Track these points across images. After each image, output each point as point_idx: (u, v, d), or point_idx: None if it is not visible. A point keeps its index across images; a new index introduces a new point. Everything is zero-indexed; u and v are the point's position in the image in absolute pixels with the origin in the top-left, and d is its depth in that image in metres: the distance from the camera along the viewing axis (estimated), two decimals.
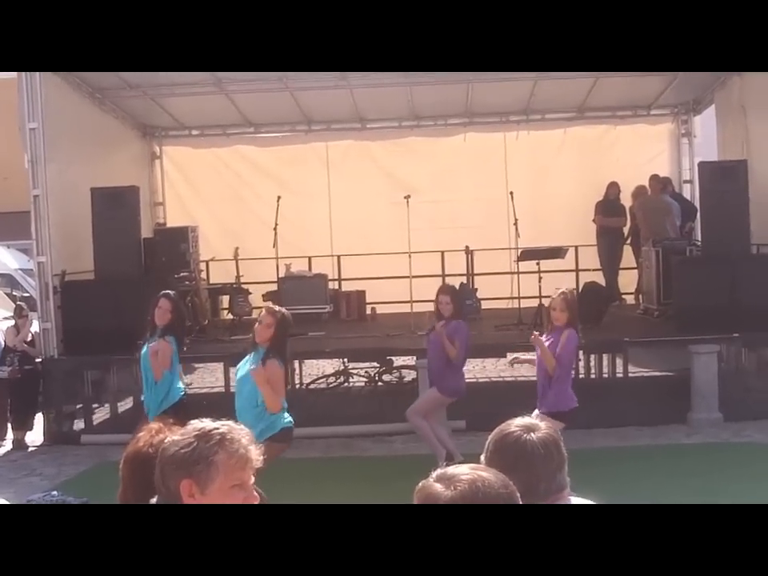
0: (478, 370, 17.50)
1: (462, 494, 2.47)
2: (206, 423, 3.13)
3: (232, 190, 19.40)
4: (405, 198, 14.92)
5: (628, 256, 18.13)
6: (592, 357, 16.02)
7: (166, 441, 3.18)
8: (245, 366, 8.43)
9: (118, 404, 15.24)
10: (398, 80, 15.78)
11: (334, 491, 9.70)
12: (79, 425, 14.30)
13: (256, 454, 3.10)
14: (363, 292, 17.77)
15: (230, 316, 17.07)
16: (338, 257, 18.53)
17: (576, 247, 17.31)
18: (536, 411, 9.06)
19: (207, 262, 17.91)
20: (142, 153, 19.21)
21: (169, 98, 17.38)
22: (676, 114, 19.46)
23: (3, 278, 20.60)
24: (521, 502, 2.60)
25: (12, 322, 14.38)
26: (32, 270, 15.56)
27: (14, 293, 19.52)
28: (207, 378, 17.94)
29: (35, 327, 14.25)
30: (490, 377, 17.50)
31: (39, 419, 14.11)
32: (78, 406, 14.40)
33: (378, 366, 16.54)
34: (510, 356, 11.40)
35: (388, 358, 15.89)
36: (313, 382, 17.23)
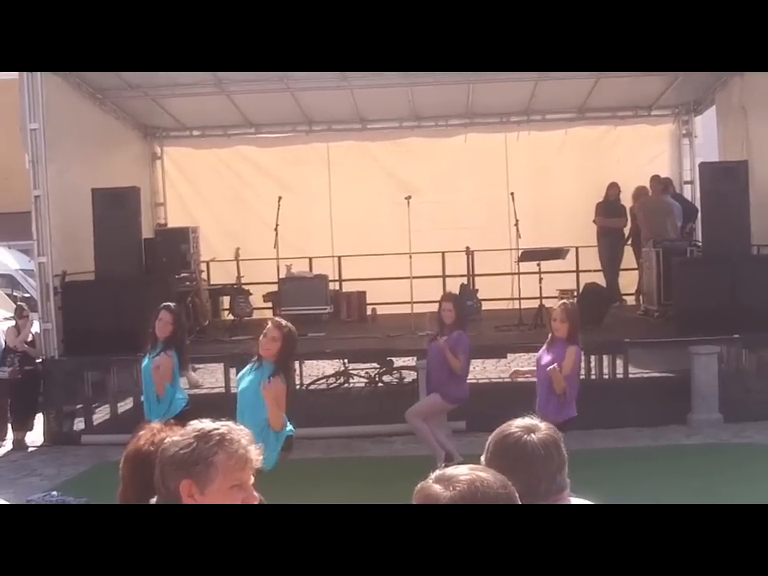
0: (478, 371, 17.49)
1: (461, 495, 2.47)
2: (206, 424, 3.13)
3: (233, 190, 19.40)
4: (405, 198, 14.92)
5: (629, 257, 18.12)
6: (592, 358, 16.02)
7: (165, 441, 3.19)
8: (246, 377, 8.36)
9: (118, 404, 15.25)
10: (398, 80, 15.78)
11: (334, 492, 9.70)
12: (79, 425, 14.30)
13: (255, 455, 3.11)
14: (364, 293, 17.78)
15: (231, 317, 17.07)
16: (339, 257, 18.54)
17: (576, 248, 17.32)
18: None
19: (208, 263, 17.92)
20: (142, 153, 19.22)
21: (170, 99, 17.39)
22: (677, 115, 19.47)
23: (4, 278, 20.60)
24: (520, 503, 2.60)
25: (13, 323, 14.38)
26: (33, 270, 15.56)
27: (15, 293, 19.52)
28: (207, 378, 17.94)
29: (36, 328, 14.25)
30: (490, 378, 17.50)
31: (39, 419, 14.11)
32: (78, 407, 14.40)
33: (379, 366, 16.54)
34: (510, 356, 11.42)
35: (388, 358, 15.89)
36: (313, 382, 17.23)
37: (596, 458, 10.79)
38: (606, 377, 16.19)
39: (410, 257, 14.95)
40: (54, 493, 3.66)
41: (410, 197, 14.98)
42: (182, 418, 9.01)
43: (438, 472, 2.58)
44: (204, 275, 17.73)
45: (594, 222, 18.04)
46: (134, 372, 9.94)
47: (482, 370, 17.84)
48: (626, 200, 18.16)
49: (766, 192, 14.21)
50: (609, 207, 17.96)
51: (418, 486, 2.56)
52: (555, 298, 13.51)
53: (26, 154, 13.91)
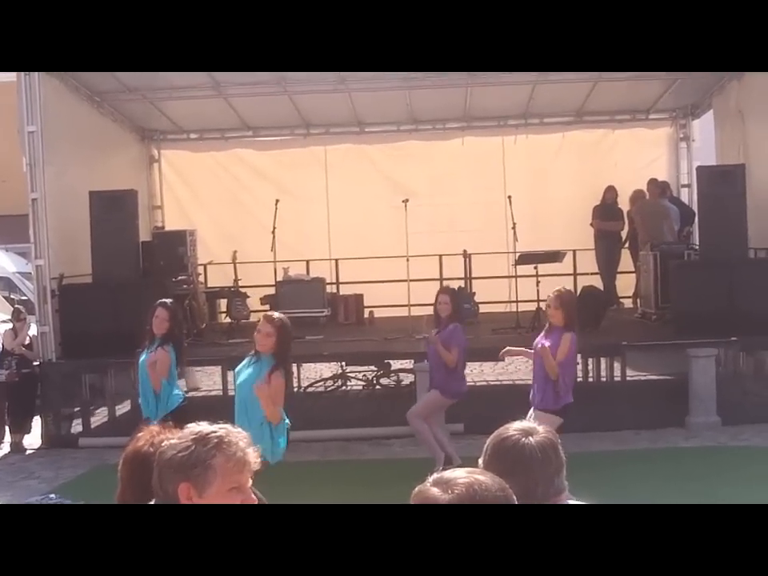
0: (476, 373, 17.49)
1: (459, 498, 2.48)
2: (204, 427, 3.13)
3: (230, 193, 19.39)
4: (403, 201, 14.92)
5: (626, 260, 18.13)
6: (590, 360, 16.03)
7: (163, 444, 3.19)
8: (245, 370, 8.38)
9: (116, 407, 15.24)
10: (396, 84, 15.81)
11: (331, 495, 9.67)
12: (77, 428, 14.29)
13: (253, 457, 3.11)
14: (361, 296, 17.77)
15: (228, 319, 17.06)
16: (336, 260, 18.54)
17: (574, 251, 17.32)
18: (532, 409, 9.09)
19: (205, 266, 17.92)
20: (140, 156, 19.21)
21: (167, 102, 17.39)
22: (674, 119, 19.48)
23: (1, 281, 20.61)
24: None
25: (10, 326, 14.37)
26: (30, 273, 15.54)
27: (12, 296, 19.54)
28: (205, 381, 17.94)
29: (33, 330, 14.24)
30: (487, 380, 17.50)
31: (37, 422, 14.10)
32: (75, 409, 14.40)
33: (376, 369, 16.54)
34: (508, 359, 11.42)
35: (386, 361, 15.90)
36: (311, 385, 17.21)
37: (594, 461, 10.79)
38: (604, 380, 16.19)
39: (408, 260, 14.95)
40: (52, 495, 3.66)
41: (407, 200, 14.98)
42: (178, 415, 9.14)
43: (435, 475, 2.58)
44: (201, 278, 17.74)
45: (592, 225, 18.06)
46: (132, 374, 9.96)
47: (480, 373, 17.84)
48: (624, 203, 18.17)
49: (763, 195, 14.22)
50: (606, 210, 17.98)
51: (416, 488, 2.56)
52: None
53: (23, 156, 13.90)
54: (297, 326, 15.00)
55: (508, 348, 10.20)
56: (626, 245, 18.21)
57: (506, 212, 15.75)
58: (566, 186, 18.88)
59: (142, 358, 9.47)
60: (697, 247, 15.53)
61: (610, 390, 15.30)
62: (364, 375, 16.83)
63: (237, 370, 8.61)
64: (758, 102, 14.93)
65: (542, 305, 13.67)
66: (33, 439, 13.99)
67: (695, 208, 15.96)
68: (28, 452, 13.62)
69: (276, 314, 8.53)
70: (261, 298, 17.19)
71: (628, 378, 15.80)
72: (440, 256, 17.67)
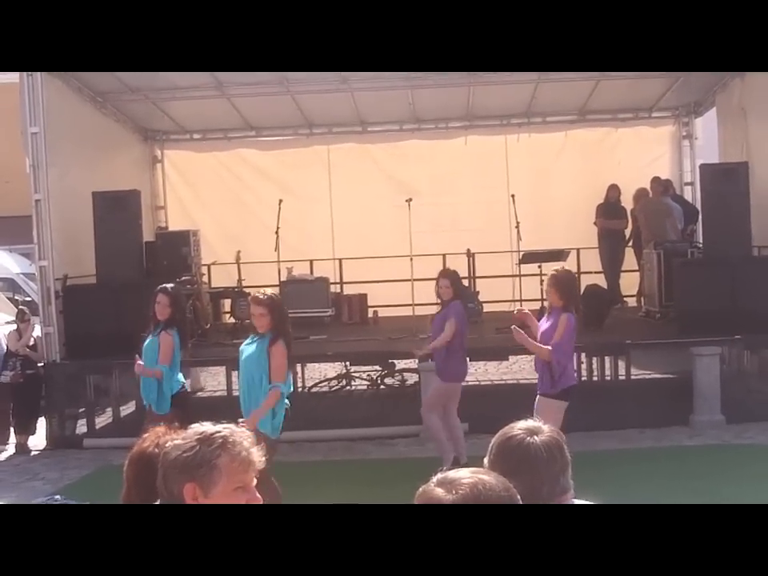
0: (480, 372, 17.49)
1: (463, 498, 2.47)
2: (208, 427, 3.13)
3: (233, 193, 19.39)
4: (406, 201, 14.92)
5: (630, 258, 18.11)
6: (594, 359, 16.02)
7: (167, 445, 3.19)
8: (248, 348, 8.58)
9: (121, 408, 15.26)
10: (399, 83, 15.81)
11: (336, 494, 9.68)
12: (82, 429, 14.31)
13: (258, 457, 3.11)
14: (365, 295, 17.76)
15: (232, 319, 17.06)
16: (340, 260, 18.52)
17: (578, 250, 17.31)
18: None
19: (209, 266, 17.91)
20: (143, 156, 19.21)
21: (170, 102, 17.40)
22: (677, 117, 19.46)
23: (5, 282, 20.61)
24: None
25: (14, 327, 14.39)
26: (34, 274, 15.56)
27: (16, 297, 19.54)
28: (210, 381, 17.94)
29: (37, 331, 14.26)
30: (492, 379, 17.50)
31: (42, 423, 14.12)
32: (80, 410, 14.41)
33: (380, 369, 16.54)
34: (512, 359, 11.38)
35: (390, 361, 15.89)
36: (315, 385, 17.22)
37: (598, 460, 10.80)
38: (608, 378, 16.19)
39: (411, 259, 14.95)
40: (58, 497, 3.66)
41: (410, 199, 14.98)
42: (178, 401, 9.27)
43: (440, 475, 2.57)
44: (205, 278, 17.73)
45: (595, 223, 18.04)
46: (136, 374, 10.05)
47: (484, 372, 17.84)
48: (627, 202, 18.16)
49: (766, 194, 14.20)
50: (609, 209, 17.96)
51: (420, 489, 2.56)
52: None
53: (26, 157, 13.92)
54: (301, 325, 15.08)
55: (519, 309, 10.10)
56: (630, 243, 18.20)
57: (510, 211, 15.76)
58: (569, 184, 18.86)
59: (147, 342, 9.59)
60: (700, 245, 15.54)
61: (614, 389, 15.29)
62: (368, 375, 16.84)
63: (240, 348, 8.77)
64: (760, 100, 14.91)
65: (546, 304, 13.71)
66: (37, 440, 14.01)
67: (698, 206, 15.94)
68: (33, 453, 13.64)
69: (261, 293, 8.65)
70: None
71: (632, 377, 15.80)
72: (443, 255, 17.62)
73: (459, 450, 10.75)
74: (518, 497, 2.59)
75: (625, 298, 18.33)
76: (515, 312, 10.08)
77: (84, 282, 14.37)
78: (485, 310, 16.77)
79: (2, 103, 18.71)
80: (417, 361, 13.23)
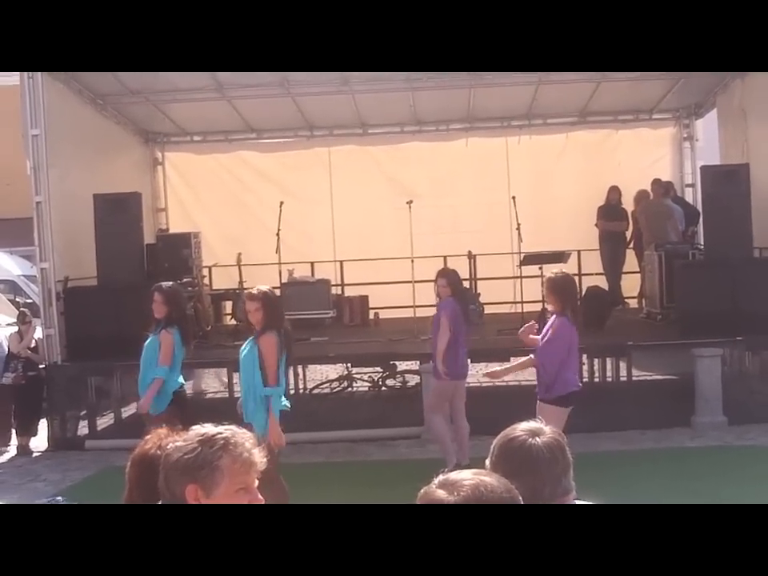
0: (481, 374, 17.46)
1: (465, 500, 2.47)
2: (209, 428, 3.14)
3: (234, 195, 19.39)
4: (407, 203, 14.92)
5: (631, 260, 18.12)
6: (595, 361, 16.01)
7: (168, 447, 3.19)
8: (246, 347, 8.67)
9: (122, 409, 15.25)
10: (399, 85, 15.83)
11: (338, 496, 9.67)
12: (83, 430, 14.31)
13: (259, 458, 3.11)
14: (366, 297, 17.77)
15: (233, 321, 17.06)
16: (341, 262, 18.52)
17: (579, 251, 17.29)
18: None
19: (210, 268, 17.92)
20: (143, 159, 19.22)
21: (171, 104, 17.40)
22: (678, 118, 19.46)
23: (6, 284, 20.63)
24: None
25: (15, 329, 14.40)
26: (35, 276, 15.56)
27: (17, 299, 19.54)
28: (210, 383, 17.94)
29: (38, 333, 14.27)
30: (493, 381, 17.45)
31: (43, 425, 14.12)
32: (81, 412, 14.41)
33: (382, 370, 16.54)
34: (513, 360, 11.32)
35: (391, 362, 15.90)
36: (316, 387, 17.21)
37: (600, 461, 10.79)
38: (610, 380, 16.18)
39: (412, 261, 14.96)
40: (59, 498, 3.67)
41: (411, 201, 14.98)
42: (175, 400, 9.34)
43: (441, 477, 2.57)
44: (206, 280, 17.73)
45: (596, 225, 18.05)
46: (137, 376, 10.11)
47: (486, 374, 17.81)
48: (628, 203, 18.16)
49: (766, 195, 14.20)
50: (610, 211, 17.97)
51: (422, 490, 2.56)
52: None
53: (27, 160, 13.93)
54: (302, 327, 15.10)
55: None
56: (631, 245, 18.21)
57: (510, 213, 15.74)
58: (569, 186, 18.87)
59: (148, 340, 9.65)
60: (701, 247, 15.53)
61: (616, 390, 15.29)
62: (369, 377, 16.84)
63: (241, 349, 8.84)
64: (761, 101, 14.91)
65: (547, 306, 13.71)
66: (39, 442, 14.02)
67: (699, 208, 15.94)
68: (34, 454, 13.65)
69: (256, 289, 8.73)
70: None
71: (633, 378, 15.81)
72: (444, 257, 17.60)
73: (462, 451, 10.72)
74: (520, 498, 2.59)
75: (626, 300, 18.34)
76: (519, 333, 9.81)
77: (85, 284, 14.38)
78: (486, 312, 16.77)
79: (3, 105, 18.73)
80: (418, 362, 13.19)
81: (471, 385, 11.90)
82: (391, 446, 12.97)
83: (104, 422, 15.09)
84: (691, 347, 13.23)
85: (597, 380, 16.15)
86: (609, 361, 16.08)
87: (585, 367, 15.66)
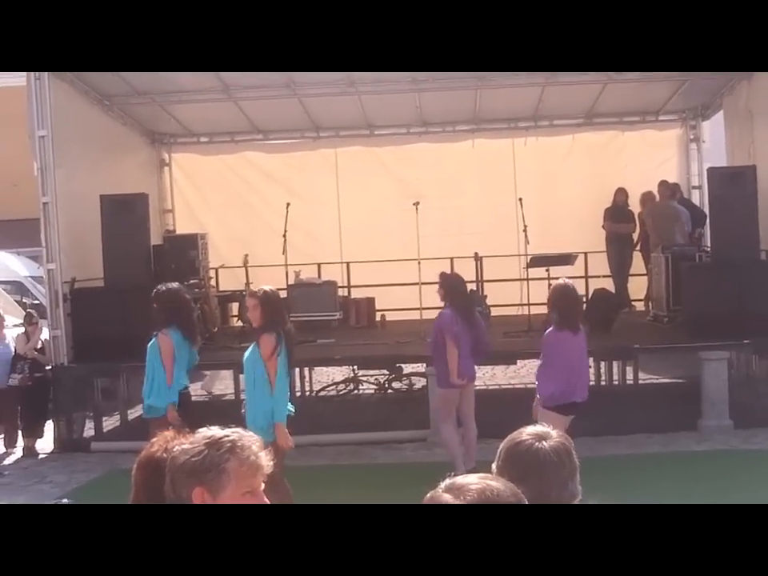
0: (487, 377, 17.47)
1: (471, 504, 2.47)
2: (216, 431, 3.13)
3: (241, 196, 19.40)
4: (413, 204, 14.93)
5: (638, 262, 18.11)
6: (602, 364, 15.99)
7: (175, 449, 3.19)
8: (250, 349, 8.74)
9: (128, 411, 15.26)
10: (406, 86, 15.82)
11: (343, 498, 9.66)
12: (89, 432, 14.32)
13: (266, 461, 3.11)
14: (373, 299, 17.76)
15: (240, 323, 17.07)
16: (348, 264, 18.54)
17: (585, 254, 17.30)
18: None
19: (216, 269, 17.92)
20: (150, 160, 19.24)
21: (177, 105, 17.41)
22: (684, 120, 19.44)
23: (13, 285, 20.63)
24: None
25: (22, 330, 14.41)
26: (42, 277, 15.59)
27: (24, 300, 19.57)
28: (217, 384, 17.94)
29: (45, 335, 14.27)
30: (499, 384, 17.47)
31: (49, 426, 14.13)
32: (88, 414, 14.42)
33: (388, 373, 16.54)
34: (520, 363, 11.30)
35: (398, 365, 15.89)
36: (322, 389, 17.22)
37: (606, 465, 10.77)
38: (616, 383, 16.17)
39: (419, 263, 14.95)
40: (65, 500, 3.67)
41: (417, 203, 14.99)
42: (180, 402, 9.36)
43: (447, 481, 2.57)
44: (213, 282, 17.74)
45: (603, 227, 18.04)
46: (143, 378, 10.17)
47: (492, 377, 17.82)
48: (634, 205, 18.15)
49: None
50: (617, 213, 17.96)
51: (428, 494, 2.55)
52: None
53: (34, 161, 13.95)
54: (308, 329, 15.10)
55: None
56: (638, 247, 18.19)
57: (517, 214, 15.73)
58: (576, 187, 18.86)
59: (150, 343, 9.72)
60: (708, 249, 15.50)
61: (622, 394, 15.27)
62: (376, 379, 16.84)
63: (246, 351, 8.89)
64: (767, 103, 14.88)
65: None
66: (45, 443, 14.02)
67: (706, 210, 15.92)
68: (41, 456, 13.66)
69: (259, 289, 8.76)
70: None
71: (640, 382, 15.79)
72: (451, 259, 17.61)
73: (469, 454, 10.66)
74: (526, 502, 2.58)
75: (633, 302, 18.33)
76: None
77: (92, 286, 14.39)
78: (492, 314, 16.74)
79: (10, 107, 18.73)
80: (425, 365, 13.10)
81: (478, 388, 11.87)
82: (397, 448, 12.95)
83: (110, 423, 15.10)
84: (698, 350, 13.21)
85: (603, 383, 16.14)
86: (615, 364, 16.06)
87: (591, 370, 15.65)
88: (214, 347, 15.23)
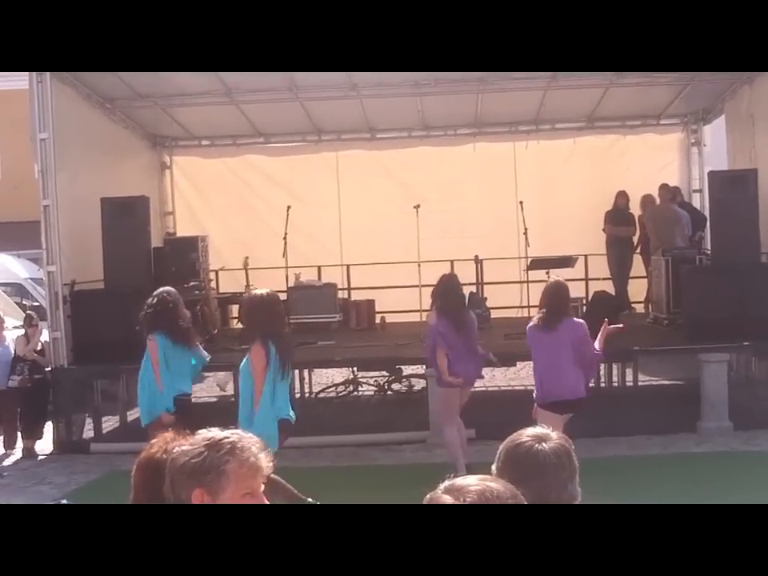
0: (487, 379, 17.44)
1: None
2: (215, 432, 3.14)
3: (242, 199, 19.41)
4: (414, 207, 14.94)
5: (638, 265, 18.11)
6: (602, 366, 15.98)
7: (174, 451, 3.19)
8: (244, 359, 8.63)
9: (128, 413, 15.26)
10: (407, 90, 15.83)
11: (343, 500, 9.68)
12: (89, 433, 14.32)
13: (266, 462, 3.11)
14: (373, 301, 17.75)
15: (240, 325, 17.06)
16: (348, 266, 18.53)
17: (586, 256, 17.31)
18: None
19: (217, 272, 17.93)
20: (151, 163, 19.25)
21: (179, 108, 17.42)
22: (686, 124, 19.45)
23: (13, 287, 20.64)
24: None
25: (22, 331, 14.41)
26: (42, 279, 15.59)
27: (24, 302, 19.57)
28: (216, 387, 17.93)
29: (45, 336, 14.27)
30: (499, 385, 17.47)
31: (49, 428, 14.13)
32: (87, 415, 14.42)
33: (388, 375, 16.54)
34: (520, 365, 11.34)
35: (397, 367, 15.89)
36: (322, 391, 17.22)
37: (606, 466, 10.77)
38: (616, 385, 16.17)
39: (419, 265, 14.96)
40: (65, 501, 3.67)
41: (418, 205, 15.00)
42: (177, 408, 9.34)
43: (447, 482, 2.57)
44: (213, 284, 17.75)
45: (603, 230, 18.04)
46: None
47: (491, 378, 17.80)
48: (635, 209, 18.16)
49: None
50: (618, 216, 17.97)
51: (428, 496, 2.56)
52: None
53: (35, 163, 13.96)
54: (308, 331, 15.11)
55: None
56: (638, 250, 18.20)
57: (518, 217, 15.75)
58: (577, 191, 18.86)
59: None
60: (708, 252, 15.51)
61: (622, 396, 15.27)
62: (375, 381, 16.84)
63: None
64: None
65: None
66: (45, 445, 14.02)
67: (707, 213, 15.93)
68: (40, 457, 13.65)
69: (248, 291, 8.68)
70: None
71: (640, 383, 15.78)
72: (451, 261, 17.60)
73: (463, 452, 10.71)
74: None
75: (633, 305, 18.33)
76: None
77: (92, 288, 14.39)
78: (493, 316, 16.75)
79: (12, 110, 18.78)
80: (424, 367, 13.12)
81: (477, 389, 11.88)
82: (397, 450, 12.95)
83: (110, 425, 15.09)
84: (698, 352, 13.21)
85: (603, 385, 16.13)
86: (615, 366, 16.06)
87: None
88: (213, 349, 15.22)
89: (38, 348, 14.21)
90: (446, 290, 11.03)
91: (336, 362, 15.10)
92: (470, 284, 16.99)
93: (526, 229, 15.17)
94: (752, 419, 13.09)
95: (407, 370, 16.29)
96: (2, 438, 14.30)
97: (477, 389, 11.47)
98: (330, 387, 17.35)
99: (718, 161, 18.93)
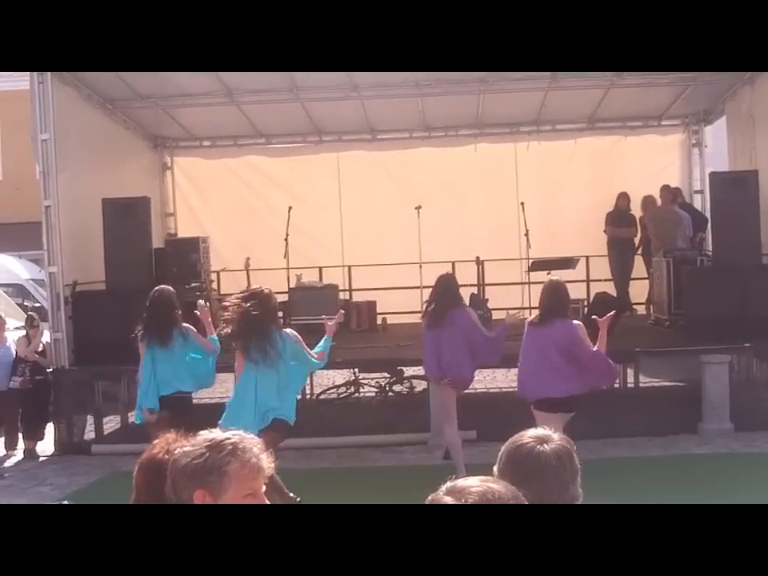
0: (488, 380, 17.47)
1: None
2: (217, 433, 3.14)
3: (243, 200, 19.41)
4: (416, 208, 14.92)
5: (639, 266, 18.10)
6: None
7: (176, 452, 3.19)
8: None
9: (129, 414, 15.25)
10: (408, 91, 15.82)
11: (344, 501, 9.66)
12: (90, 435, 14.32)
13: (267, 463, 3.11)
14: (374, 302, 17.75)
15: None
16: (349, 267, 18.52)
17: (587, 257, 17.29)
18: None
19: (218, 273, 17.92)
20: (152, 163, 19.25)
21: (180, 109, 17.41)
22: (687, 125, 19.44)
23: (15, 288, 20.64)
24: None
25: (23, 332, 14.41)
26: (43, 280, 15.59)
27: (26, 303, 19.57)
28: (218, 388, 17.91)
29: (46, 337, 14.28)
30: (500, 387, 17.47)
31: (50, 429, 14.14)
32: (88, 416, 14.42)
33: (389, 376, 16.53)
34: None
35: (398, 368, 15.88)
36: (323, 392, 17.22)
37: (607, 468, 10.77)
38: (617, 386, 16.15)
39: (420, 266, 14.95)
40: (66, 502, 3.67)
41: (420, 207, 14.98)
42: (171, 403, 9.38)
43: (448, 484, 2.56)
44: (214, 285, 17.73)
45: (605, 231, 18.03)
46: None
47: (492, 380, 17.81)
48: (636, 210, 18.15)
49: None
50: (619, 217, 17.95)
51: (429, 497, 2.55)
52: None
53: (36, 164, 13.97)
54: (309, 332, 15.06)
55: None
56: (639, 251, 18.19)
57: (519, 218, 15.75)
58: (578, 192, 18.85)
59: None
60: (710, 253, 15.51)
61: (623, 397, 15.26)
62: (377, 382, 16.83)
63: None
64: None
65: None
66: (46, 446, 14.03)
67: (708, 214, 15.92)
68: (41, 459, 13.66)
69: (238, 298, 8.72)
70: None
71: (641, 385, 15.78)
72: (453, 263, 17.57)
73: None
74: None
75: (634, 306, 18.32)
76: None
77: (93, 289, 14.40)
78: (494, 318, 16.72)
79: (13, 111, 18.78)
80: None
81: (478, 391, 11.88)
82: (398, 451, 12.95)
83: (111, 426, 15.10)
84: (699, 354, 13.21)
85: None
86: (616, 367, 16.05)
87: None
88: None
89: (40, 349, 14.22)
90: (438, 288, 11.14)
91: (337, 363, 15.04)
92: (471, 285, 16.99)
93: (527, 230, 15.18)
94: (753, 421, 13.09)
95: (408, 371, 16.28)
96: (3, 438, 14.31)
97: (478, 390, 11.44)
98: (331, 388, 17.35)
99: (719, 162, 18.94)
